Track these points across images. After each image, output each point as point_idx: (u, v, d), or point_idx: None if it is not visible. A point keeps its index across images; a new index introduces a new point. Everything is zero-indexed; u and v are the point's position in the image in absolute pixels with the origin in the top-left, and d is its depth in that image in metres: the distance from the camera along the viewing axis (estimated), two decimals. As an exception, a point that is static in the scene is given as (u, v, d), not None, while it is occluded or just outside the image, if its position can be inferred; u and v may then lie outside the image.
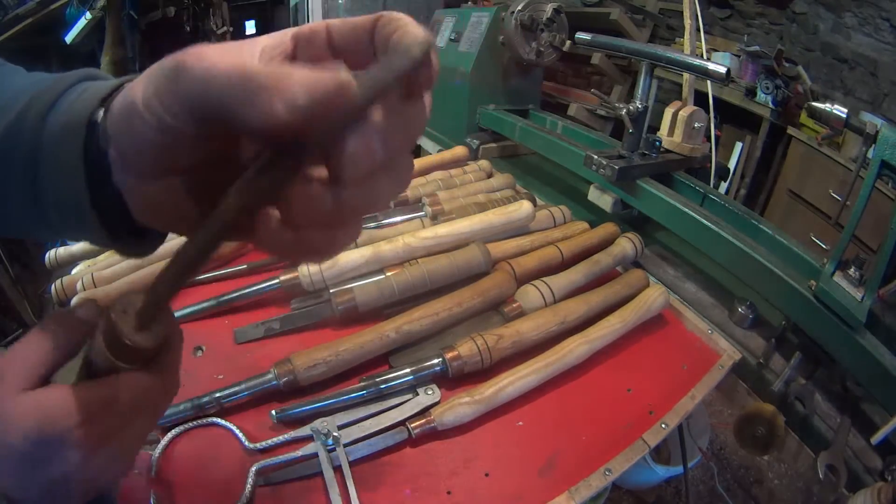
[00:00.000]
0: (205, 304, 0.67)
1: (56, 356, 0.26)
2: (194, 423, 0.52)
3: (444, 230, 0.76)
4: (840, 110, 0.65)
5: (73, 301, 0.65)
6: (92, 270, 0.72)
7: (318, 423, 0.52)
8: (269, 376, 0.54)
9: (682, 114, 0.96)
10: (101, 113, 0.25)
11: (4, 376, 0.24)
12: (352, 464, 0.49)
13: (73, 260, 0.81)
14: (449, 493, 0.49)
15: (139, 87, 0.23)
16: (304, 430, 0.51)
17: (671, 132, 0.99)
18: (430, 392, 0.57)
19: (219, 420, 0.52)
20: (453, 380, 0.58)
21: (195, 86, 0.19)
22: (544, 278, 0.71)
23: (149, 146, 0.22)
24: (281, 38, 0.25)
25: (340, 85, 0.17)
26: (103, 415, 0.24)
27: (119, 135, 0.23)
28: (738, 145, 2.25)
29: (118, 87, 0.26)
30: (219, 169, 0.23)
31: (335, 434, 0.51)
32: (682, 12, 1.08)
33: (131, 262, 0.73)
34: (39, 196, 0.27)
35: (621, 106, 0.94)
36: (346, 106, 0.17)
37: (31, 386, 0.24)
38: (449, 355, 0.57)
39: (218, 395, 0.53)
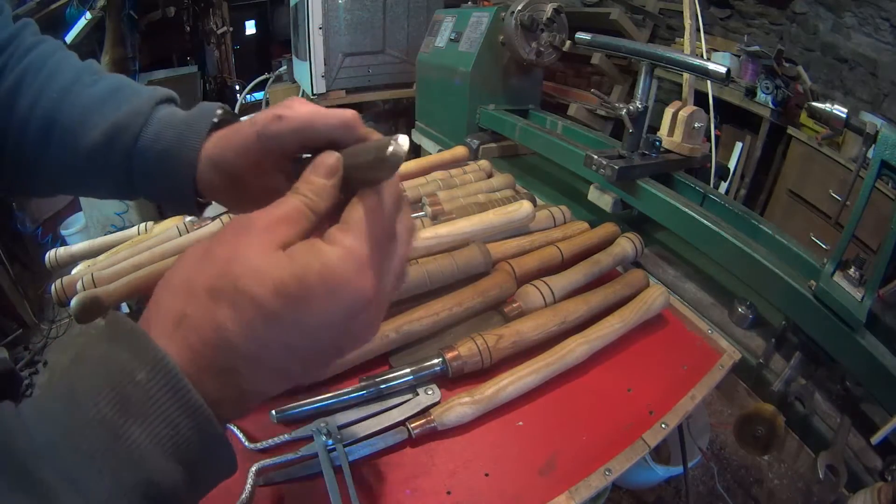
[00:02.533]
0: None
1: (310, 222, 0.27)
2: (194, 423, 0.52)
3: (444, 230, 0.76)
4: (840, 110, 0.65)
5: (73, 301, 0.65)
6: (92, 270, 0.72)
7: (318, 423, 0.52)
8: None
9: (682, 114, 0.96)
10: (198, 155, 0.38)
11: (254, 228, 0.25)
12: (352, 464, 0.49)
13: (73, 260, 0.81)
14: (449, 493, 0.49)
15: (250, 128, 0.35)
16: (304, 430, 0.51)
17: (671, 132, 0.99)
18: (430, 392, 0.57)
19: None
20: (453, 380, 0.58)
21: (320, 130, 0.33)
22: (544, 278, 0.71)
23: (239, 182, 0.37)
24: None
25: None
26: (373, 260, 0.26)
27: (228, 160, 0.37)
28: (738, 145, 2.25)
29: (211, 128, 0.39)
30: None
31: (335, 434, 0.51)
32: (682, 12, 1.08)
33: (131, 261, 0.73)
34: (133, 185, 0.40)
35: (621, 106, 0.94)
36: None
37: (284, 244, 0.25)
38: (449, 355, 0.57)
39: (218, 395, 0.52)
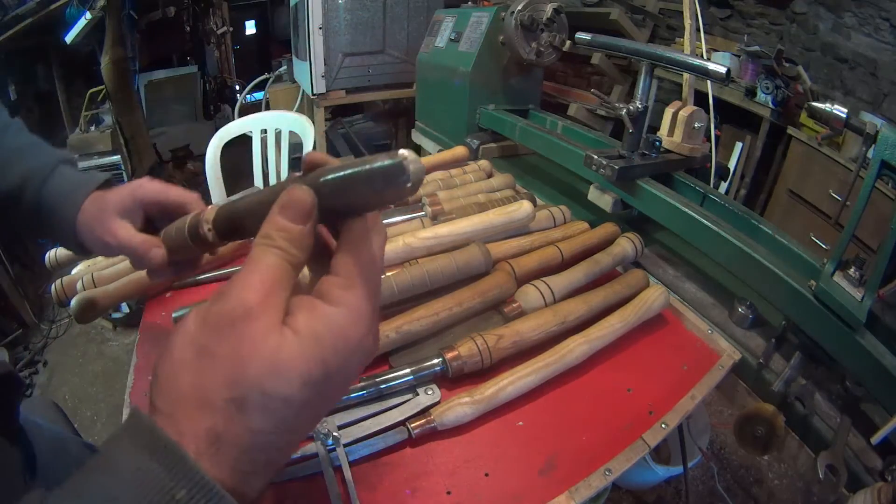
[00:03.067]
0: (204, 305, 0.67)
1: (292, 281, 0.25)
2: (194, 423, 0.52)
3: (444, 230, 0.76)
4: (840, 110, 0.65)
5: (73, 302, 0.65)
6: (92, 270, 0.72)
7: (318, 423, 0.52)
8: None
9: (682, 114, 0.96)
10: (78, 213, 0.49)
11: (254, 316, 0.23)
12: (352, 464, 0.49)
13: (73, 260, 0.81)
14: (449, 493, 0.49)
15: (86, 237, 0.50)
16: (304, 430, 0.51)
17: (671, 132, 0.99)
18: (430, 392, 0.57)
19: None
20: (453, 380, 0.58)
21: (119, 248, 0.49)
22: (544, 278, 0.71)
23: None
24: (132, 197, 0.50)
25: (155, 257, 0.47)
26: (372, 315, 0.26)
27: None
28: (738, 145, 2.25)
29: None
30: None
31: (335, 434, 0.51)
32: (682, 12, 1.08)
33: (127, 263, 0.73)
34: (40, 225, 0.51)
35: (621, 106, 0.94)
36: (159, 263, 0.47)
37: (282, 315, 0.24)
38: (449, 355, 0.57)
39: (218, 395, 0.52)
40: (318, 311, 0.24)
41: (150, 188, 0.49)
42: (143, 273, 0.70)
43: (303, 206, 0.25)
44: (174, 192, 0.49)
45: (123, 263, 0.73)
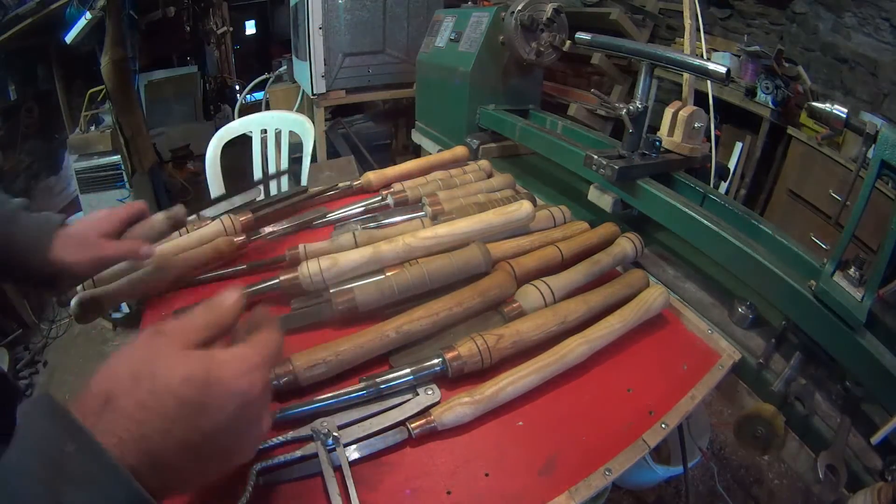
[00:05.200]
0: (205, 304, 0.67)
1: (214, 332, 0.34)
2: (194, 423, 0.52)
3: (444, 230, 0.76)
4: (840, 110, 0.64)
5: (73, 302, 0.65)
6: (92, 270, 0.72)
7: (318, 423, 0.52)
8: (270, 376, 0.54)
9: (682, 114, 0.96)
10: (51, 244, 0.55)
11: (167, 333, 0.32)
12: (352, 464, 0.49)
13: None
14: (449, 493, 0.49)
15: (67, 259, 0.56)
16: (304, 430, 0.51)
17: (671, 132, 0.99)
18: (430, 392, 0.57)
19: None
20: (453, 380, 0.58)
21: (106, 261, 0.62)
22: (544, 278, 0.71)
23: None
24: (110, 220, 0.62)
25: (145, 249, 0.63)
26: (262, 369, 0.34)
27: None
28: (738, 145, 2.25)
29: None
30: None
31: (335, 434, 0.51)
32: (682, 12, 1.08)
33: (127, 263, 0.73)
34: (9, 271, 0.54)
35: (621, 106, 0.94)
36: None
37: (190, 347, 0.32)
38: (449, 355, 0.57)
39: (218, 395, 0.53)
40: (212, 351, 0.33)
41: (106, 216, 0.61)
42: (141, 273, 0.70)
43: (231, 301, 0.37)
44: (122, 211, 0.62)
45: (124, 264, 0.73)
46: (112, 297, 0.67)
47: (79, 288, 0.69)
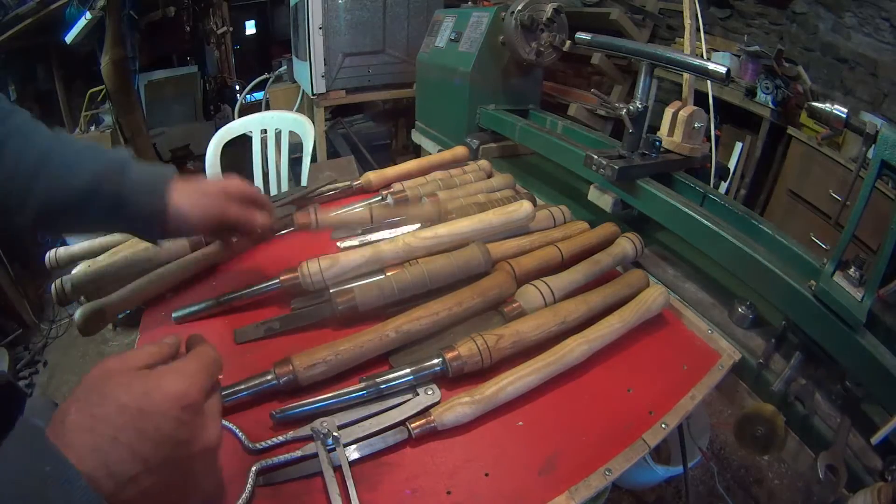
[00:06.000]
0: (205, 304, 0.67)
1: (156, 361, 0.37)
2: (194, 423, 0.52)
3: (444, 230, 0.76)
4: (840, 110, 0.64)
5: (77, 314, 0.66)
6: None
7: (318, 423, 0.52)
8: (269, 376, 0.54)
9: (682, 114, 0.96)
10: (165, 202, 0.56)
11: (113, 360, 0.35)
12: (352, 464, 0.49)
13: (73, 260, 0.81)
14: (449, 493, 0.49)
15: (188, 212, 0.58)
16: (304, 430, 0.51)
17: (671, 132, 0.99)
18: (430, 392, 0.57)
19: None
20: (453, 380, 0.58)
21: (226, 221, 0.62)
22: (544, 278, 0.71)
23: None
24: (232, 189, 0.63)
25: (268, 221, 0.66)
26: (201, 376, 0.36)
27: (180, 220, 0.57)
28: (738, 145, 2.25)
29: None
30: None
31: (335, 434, 0.51)
32: (682, 12, 1.08)
33: (130, 262, 0.73)
34: (118, 220, 0.56)
35: (621, 106, 0.94)
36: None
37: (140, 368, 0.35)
38: (449, 355, 0.57)
39: (218, 394, 0.53)
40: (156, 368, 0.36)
41: (236, 184, 0.63)
42: (143, 281, 0.70)
43: (170, 342, 0.41)
44: (251, 189, 0.65)
45: (123, 264, 0.73)
46: (114, 308, 0.67)
47: (80, 300, 0.70)
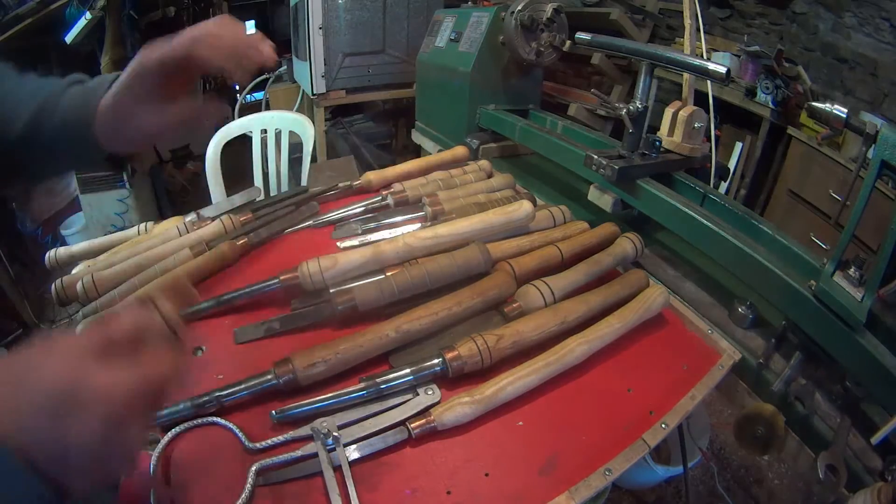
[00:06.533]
0: (205, 304, 0.67)
1: (99, 344, 0.33)
2: (194, 422, 0.52)
3: (444, 230, 0.76)
4: (840, 110, 0.65)
5: (79, 328, 0.65)
6: (92, 271, 0.72)
7: (318, 423, 0.52)
8: (269, 376, 0.54)
9: (682, 114, 0.96)
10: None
11: (56, 339, 0.32)
12: (352, 464, 0.49)
13: (73, 260, 0.81)
14: (449, 493, 0.49)
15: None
16: (304, 430, 0.51)
17: (671, 132, 0.99)
18: (430, 392, 0.57)
19: (219, 419, 0.52)
20: (453, 380, 0.58)
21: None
22: (544, 278, 0.71)
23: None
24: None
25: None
26: (130, 381, 0.32)
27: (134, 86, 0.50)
28: (738, 145, 2.25)
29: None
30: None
31: (335, 434, 0.51)
32: (682, 12, 1.08)
33: (130, 262, 0.73)
34: (63, 153, 0.53)
35: (621, 106, 0.94)
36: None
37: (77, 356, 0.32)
38: (449, 355, 0.57)
39: (218, 394, 0.53)
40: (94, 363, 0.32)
41: (152, 54, 0.49)
42: (147, 289, 0.69)
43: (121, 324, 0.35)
44: (174, 47, 0.49)
45: (123, 264, 0.73)
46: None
47: (78, 287, 0.69)
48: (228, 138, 1.66)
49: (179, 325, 0.41)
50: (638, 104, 0.92)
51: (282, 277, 0.68)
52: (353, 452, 0.50)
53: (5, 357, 0.32)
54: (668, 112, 0.99)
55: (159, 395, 0.34)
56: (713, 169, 1.13)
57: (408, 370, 0.56)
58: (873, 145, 0.62)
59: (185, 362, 0.37)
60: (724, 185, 2.02)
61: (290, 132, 1.74)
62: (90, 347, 0.32)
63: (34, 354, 0.31)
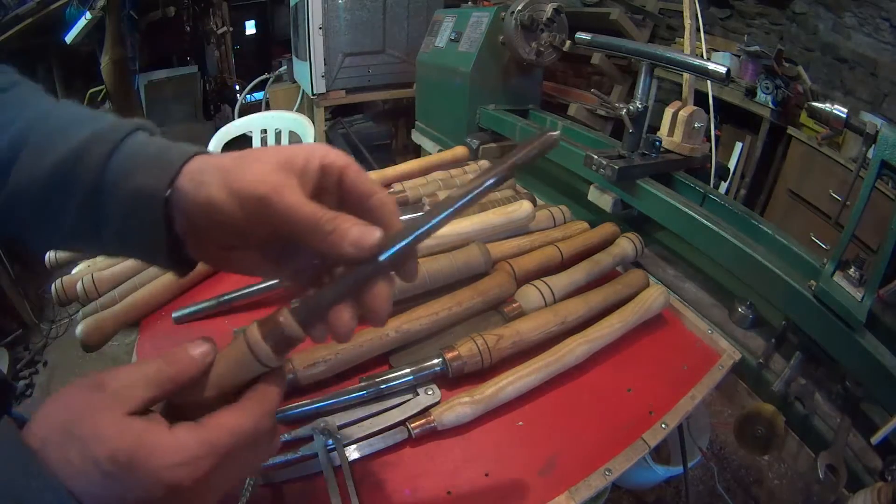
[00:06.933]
0: (205, 304, 0.67)
1: (164, 389, 0.28)
2: (194, 423, 0.52)
3: (444, 230, 0.75)
4: (840, 110, 0.65)
5: (79, 329, 0.64)
6: (92, 271, 0.72)
7: (318, 423, 0.52)
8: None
9: (682, 114, 0.96)
10: (169, 192, 0.31)
11: (108, 389, 0.27)
12: (352, 464, 0.49)
13: (73, 260, 0.81)
14: (449, 493, 0.49)
15: (213, 191, 0.30)
16: (305, 430, 0.51)
17: (671, 132, 0.99)
18: (430, 392, 0.57)
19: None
20: (453, 380, 0.58)
21: (281, 219, 0.29)
22: (544, 278, 0.71)
23: (228, 235, 0.32)
24: (308, 161, 0.32)
25: (376, 241, 0.28)
26: (204, 462, 0.27)
27: (199, 219, 0.31)
28: (738, 145, 2.25)
29: (182, 164, 0.32)
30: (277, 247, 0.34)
31: (335, 434, 0.51)
32: (682, 12, 1.08)
33: (129, 263, 0.73)
34: (100, 222, 0.33)
35: (621, 106, 0.94)
36: (373, 251, 0.28)
37: (133, 409, 0.27)
38: (449, 355, 0.57)
39: (218, 394, 0.52)
40: (151, 425, 0.27)
41: (336, 158, 0.32)
42: (147, 289, 0.69)
43: (198, 353, 0.29)
44: (363, 176, 0.32)
45: (123, 264, 0.73)
46: (118, 320, 0.66)
47: (78, 287, 0.69)
48: (228, 138, 1.66)
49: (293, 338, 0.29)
50: (638, 104, 0.92)
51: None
52: (353, 452, 0.50)
53: (58, 405, 0.27)
54: (668, 112, 0.99)
55: (247, 456, 0.29)
56: (713, 169, 1.13)
57: (408, 370, 0.56)
58: (873, 145, 0.62)
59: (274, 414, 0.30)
60: (724, 185, 2.02)
61: (290, 132, 1.74)
62: (146, 388, 0.27)
63: (82, 416, 0.26)
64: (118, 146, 0.32)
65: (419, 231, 0.29)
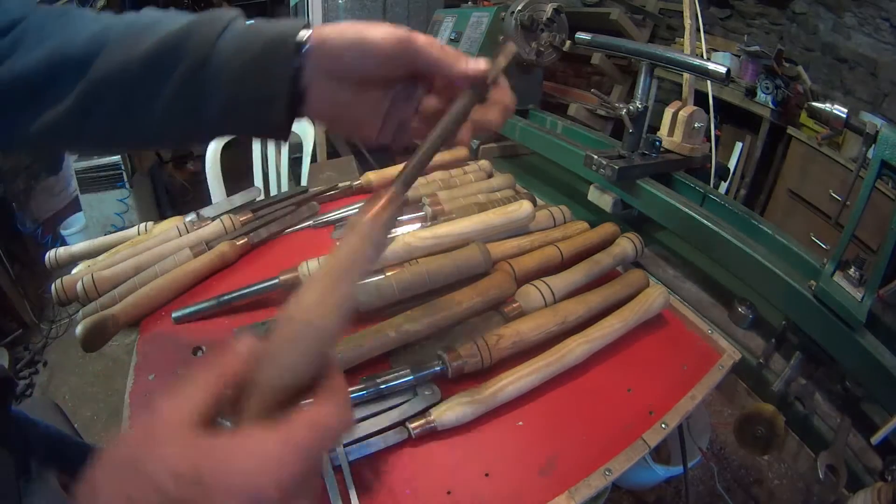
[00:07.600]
0: (205, 304, 0.67)
1: (216, 390, 0.27)
2: (194, 423, 0.52)
3: (444, 230, 0.76)
4: (840, 110, 0.64)
5: (78, 330, 0.64)
6: (92, 270, 0.72)
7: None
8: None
9: (682, 114, 0.96)
10: (305, 35, 0.36)
11: (161, 410, 0.25)
12: (352, 464, 0.49)
13: (73, 260, 0.81)
14: (449, 493, 0.49)
15: (364, 30, 0.38)
16: (304, 430, 0.51)
17: (671, 132, 0.99)
18: (429, 392, 0.57)
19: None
20: (453, 380, 0.58)
21: (419, 53, 0.37)
22: (544, 278, 0.71)
23: (371, 68, 0.38)
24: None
25: (486, 65, 0.38)
26: (288, 464, 0.24)
27: (346, 57, 0.37)
28: (738, 145, 2.25)
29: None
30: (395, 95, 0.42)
31: (335, 434, 0.51)
32: (682, 12, 1.08)
33: (130, 262, 0.73)
34: (203, 95, 0.35)
35: (621, 106, 0.94)
36: (484, 74, 0.39)
37: (192, 421, 0.25)
38: (449, 355, 0.57)
39: (218, 395, 0.52)
40: (225, 436, 0.25)
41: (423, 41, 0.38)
42: (147, 289, 0.69)
43: (242, 351, 0.29)
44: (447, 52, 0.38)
45: (123, 264, 0.73)
46: (118, 320, 0.66)
47: (78, 287, 0.69)
48: (228, 138, 1.66)
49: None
50: (638, 104, 0.92)
51: (282, 278, 0.68)
52: (353, 452, 0.50)
53: (117, 445, 0.25)
54: (668, 112, 0.99)
55: (313, 466, 0.26)
56: (713, 169, 1.13)
57: (408, 370, 0.56)
58: (873, 145, 0.62)
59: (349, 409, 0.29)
60: (724, 185, 2.02)
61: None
62: (204, 403, 0.26)
63: (139, 444, 0.25)
64: (228, 26, 0.35)
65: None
